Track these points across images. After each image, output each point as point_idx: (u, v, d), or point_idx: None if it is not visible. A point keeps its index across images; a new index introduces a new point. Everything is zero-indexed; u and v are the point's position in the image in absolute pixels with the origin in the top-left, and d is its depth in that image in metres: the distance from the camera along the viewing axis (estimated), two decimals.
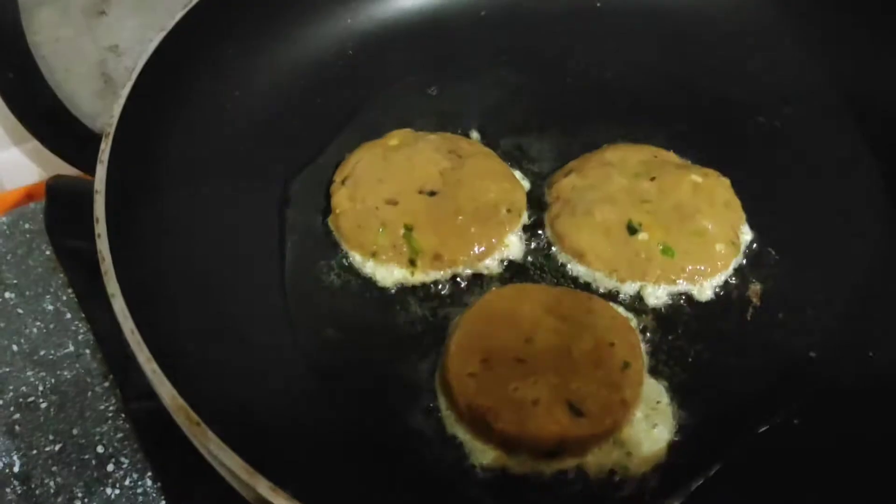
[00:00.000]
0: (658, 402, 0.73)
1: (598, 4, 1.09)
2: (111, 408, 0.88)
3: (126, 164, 0.73)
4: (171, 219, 0.77)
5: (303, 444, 0.67)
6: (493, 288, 0.80)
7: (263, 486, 0.52)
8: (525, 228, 0.86)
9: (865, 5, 0.99)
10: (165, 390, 0.56)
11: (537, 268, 0.83)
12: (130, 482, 0.83)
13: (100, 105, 1.09)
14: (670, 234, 0.82)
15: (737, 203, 0.86)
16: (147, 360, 0.58)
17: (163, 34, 0.82)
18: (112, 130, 0.72)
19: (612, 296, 0.81)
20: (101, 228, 0.65)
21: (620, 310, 0.78)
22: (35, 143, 1.08)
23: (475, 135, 0.95)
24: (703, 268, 0.81)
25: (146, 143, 0.78)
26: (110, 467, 0.83)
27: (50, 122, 1.08)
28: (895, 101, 0.95)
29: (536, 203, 0.88)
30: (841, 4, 1.00)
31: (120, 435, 0.86)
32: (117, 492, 0.82)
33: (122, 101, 0.75)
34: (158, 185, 0.78)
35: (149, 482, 0.83)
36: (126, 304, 0.60)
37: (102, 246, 0.64)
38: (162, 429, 0.74)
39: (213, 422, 0.56)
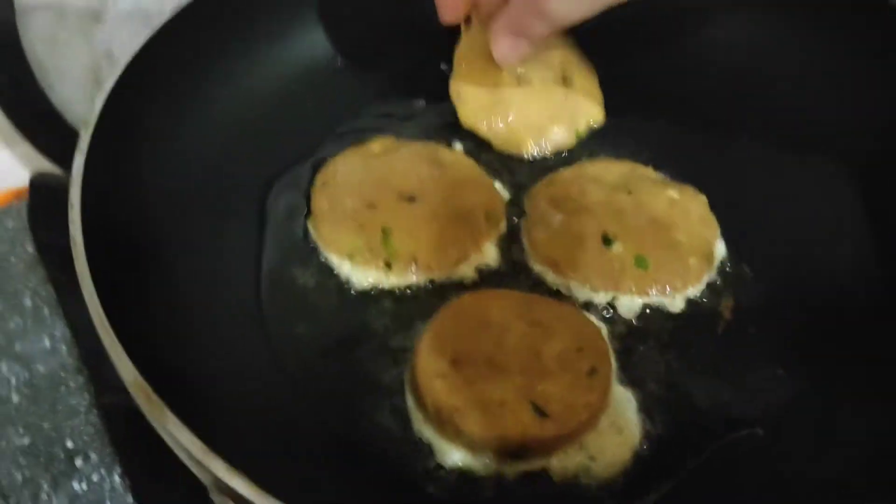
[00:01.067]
0: (626, 410, 0.73)
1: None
2: (83, 403, 0.87)
3: (106, 156, 0.74)
4: (148, 212, 0.78)
5: (265, 435, 0.67)
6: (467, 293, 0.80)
7: (220, 467, 0.52)
8: (502, 237, 0.87)
9: (860, 37, 0.99)
10: (127, 369, 0.57)
11: (512, 276, 0.84)
12: (98, 478, 0.82)
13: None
14: (644, 246, 0.82)
15: (712, 219, 0.87)
16: (112, 342, 0.58)
17: (152, 32, 0.83)
18: (93, 121, 0.73)
19: (585, 305, 0.81)
20: (74, 214, 0.66)
21: (592, 318, 0.79)
22: (26, 146, 1.09)
23: (458, 146, 0.96)
24: (675, 280, 0.81)
25: (127, 138, 0.79)
26: (78, 462, 0.83)
27: (41, 124, 1.10)
28: (881, 132, 0.95)
29: (515, 213, 0.89)
30: (836, 35, 1.01)
31: (91, 430, 0.85)
32: (84, 486, 0.81)
33: (105, 93, 0.77)
34: (138, 178, 0.79)
35: (117, 478, 0.82)
36: (94, 287, 0.61)
37: (75, 231, 0.65)
38: (132, 425, 0.75)
39: (174, 404, 0.56)
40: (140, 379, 0.57)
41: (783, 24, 1.03)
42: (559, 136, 0.94)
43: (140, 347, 0.60)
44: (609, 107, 0.98)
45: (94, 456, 0.84)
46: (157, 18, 0.94)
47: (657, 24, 1.04)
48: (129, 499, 0.81)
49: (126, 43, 1.11)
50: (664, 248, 0.83)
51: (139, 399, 0.57)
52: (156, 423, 0.57)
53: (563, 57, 0.99)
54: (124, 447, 0.83)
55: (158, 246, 0.75)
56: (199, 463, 0.53)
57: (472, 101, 0.96)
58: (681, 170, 0.93)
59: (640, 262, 0.81)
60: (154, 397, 0.56)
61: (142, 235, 0.75)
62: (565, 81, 0.97)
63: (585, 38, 1.01)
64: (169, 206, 0.79)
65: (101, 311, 0.60)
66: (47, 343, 0.93)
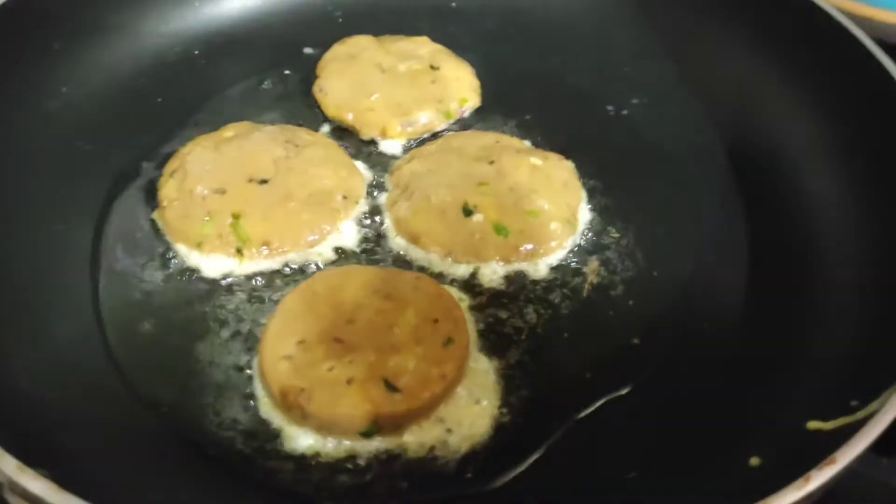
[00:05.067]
0: (485, 380, 0.70)
1: (454, 4, 1.09)
2: None
3: None
4: None
5: (94, 435, 0.62)
6: None
7: (10, 465, 0.48)
8: (363, 216, 0.84)
9: (711, 5, 1.00)
10: None
11: (373, 253, 0.81)
12: None
13: None
14: (505, 214, 0.80)
15: (576, 184, 0.86)
16: None
17: None
18: None
19: (447, 277, 0.78)
20: None
21: (454, 291, 0.76)
22: None
23: (324, 128, 0.93)
24: (537, 246, 0.79)
25: None
26: None
27: None
28: (739, 92, 0.96)
29: (379, 191, 0.86)
30: (688, 4, 1.02)
31: None
32: None
33: None
34: None
35: None
36: None
37: None
38: None
39: None
40: None
41: None
42: (426, 117, 0.92)
43: None
44: (485, 90, 0.97)
45: None
46: None
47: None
48: None
49: None
50: (525, 214, 0.81)
51: None
52: None
53: (432, 49, 0.98)
54: None
55: None
56: None
57: (335, 92, 0.93)
58: (549, 140, 0.91)
59: (500, 230, 0.79)
60: None
61: None
62: (433, 70, 0.96)
63: (452, 35, 1.02)
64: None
65: None
66: None
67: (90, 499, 0.48)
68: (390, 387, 0.65)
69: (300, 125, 0.92)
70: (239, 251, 0.78)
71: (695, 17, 1.00)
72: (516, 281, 0.79)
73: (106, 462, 0.59)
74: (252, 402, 0.69)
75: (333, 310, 0.71)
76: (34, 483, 0.48)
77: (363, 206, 0.84)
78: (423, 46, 0.99)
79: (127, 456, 0.63)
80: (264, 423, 0.68)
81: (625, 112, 0.97)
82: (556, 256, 0.80)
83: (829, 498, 0.57)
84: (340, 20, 1.06)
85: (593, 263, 0.81)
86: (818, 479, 0.52)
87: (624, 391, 0.72)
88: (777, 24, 0.93)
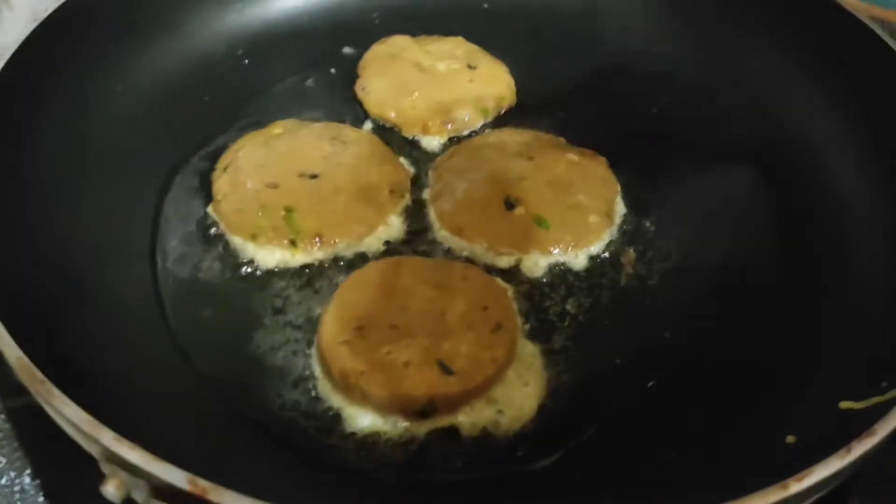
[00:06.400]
0: (532, 364, 0.74)
1: (486, 6, 1.12)
2: None
3: None
4: (37, 205, 0.76)
5: (168, 415, 0.66)
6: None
7: (107, 436, 0.52)
8: (408, 209, 0.87)
9: (741, 3, 1.04)
10: (10, 349, 0.56)
11: (419, 245, 0.84)
12: (7, 480, 0.80)
13: None
14: (546, 207, 0.84)
15: (612, 178, 0.89)
16: None
17: (34, 25, 0.81)
18: None
19: (490, 268, 0.82)
20: None
21: (498, 280, 0.80)
22: None
23: (367, 125, 0.96)
24: (577, 238, 0.83)
25: (13, 133, 0.77)
26: None
27: None
28: (769, 88, 0.99)
29: (421, 186, 0.90)
30: (718, 2, 1.05)
31: None
32: None
33: None
34: (28, 174, 0.78)
35: (27, 479, 0.80)
36: None
37: None
38: (42, 427, 0.73)
39: (60, 381, 0.55)
40: (24, 359, 0.56)
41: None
42: (465, 115, 0.95)
43: (27, 330, 0.59)
44: (519, 89, 1.01)
45: (2, 459, 0.81)
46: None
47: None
48: (41, 499, 0.78)
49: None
50: (564, 208, 0.84)
51: (24, 378, 0.56)
52: (42, 400, 0.56)
53: (468, 49, 1.02)
54: (34, 448, 0.81)
55: (48, 239, 0.74)
56: (86, 435, 0.52)
57: (377, 91, 0.97)
58: (583, 136, 0.95)
59: (542, 222, 0.83)
60: (38, 374, 0.55)
61: (34, 229, 0.73)
62: (471, 69, 0.99)
63: (484, 36, 1.05)
64: (60, 200, 0.78)
65: None
66: None
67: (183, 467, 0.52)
68: (445, 369, 0.69)
69: (343, 122, 0.96)
70: (292, 243, 0.81)
71: (724, 15, 1.03)
72: (557, 271, 0.82)
73: (178, 443, 0.62)
74: (312, 385, 0.73)
75: (387, 298, 0.74)
76: (131, 453, 0.52)
77: (408, 200, 0.88)
78: (460, 47, 1.03)
79: (199, 435, 0.66)
80: (324, 405, 0.71)
81: (654, 110, 1.00)
82: (595, 248, 0.84)
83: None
84: (377, 21, 1.10)
85: (630, 255, 0.84)
86: (859, 449, 0.55)
87: (662, 377, 0.75)
88: (808, 21, 0.96)
